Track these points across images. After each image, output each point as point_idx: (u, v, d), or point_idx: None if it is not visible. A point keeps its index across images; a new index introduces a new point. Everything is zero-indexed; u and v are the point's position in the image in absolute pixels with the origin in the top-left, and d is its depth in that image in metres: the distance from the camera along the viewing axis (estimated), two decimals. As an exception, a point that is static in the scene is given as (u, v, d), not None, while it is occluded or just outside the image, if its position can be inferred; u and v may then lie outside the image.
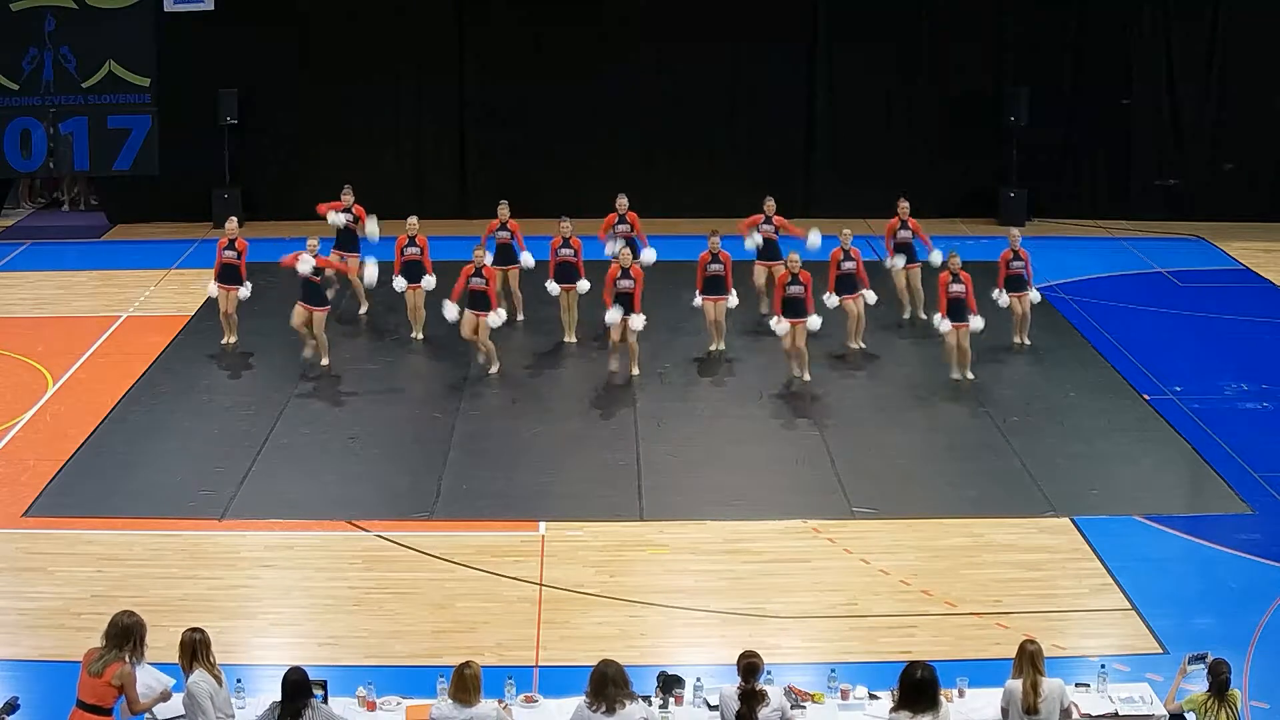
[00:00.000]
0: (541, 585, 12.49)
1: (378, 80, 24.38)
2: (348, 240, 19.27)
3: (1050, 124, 24.54)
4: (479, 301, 16.97)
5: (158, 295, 20.57)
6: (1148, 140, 24.83)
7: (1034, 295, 17.93)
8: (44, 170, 24.79)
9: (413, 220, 18.52)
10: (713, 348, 17.76)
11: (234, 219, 18.73)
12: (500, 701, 9.22)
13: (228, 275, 18.01)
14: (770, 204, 19.09)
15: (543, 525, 13.62)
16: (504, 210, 18.86)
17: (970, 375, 16.69)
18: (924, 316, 18.78)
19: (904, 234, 18.88)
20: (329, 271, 17.69)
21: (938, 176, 24.66)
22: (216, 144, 23.94)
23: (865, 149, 24.70)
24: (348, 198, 19.36)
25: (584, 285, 18.11)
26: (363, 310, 19.37)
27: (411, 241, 18.32)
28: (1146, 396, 16.83)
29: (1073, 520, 13.70)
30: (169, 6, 23.93)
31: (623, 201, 19.03)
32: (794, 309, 16.67)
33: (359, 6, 24.20)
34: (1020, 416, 16.21)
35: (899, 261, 18.87)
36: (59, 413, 16.32)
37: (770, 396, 16.78)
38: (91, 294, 20.86)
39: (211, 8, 23.90)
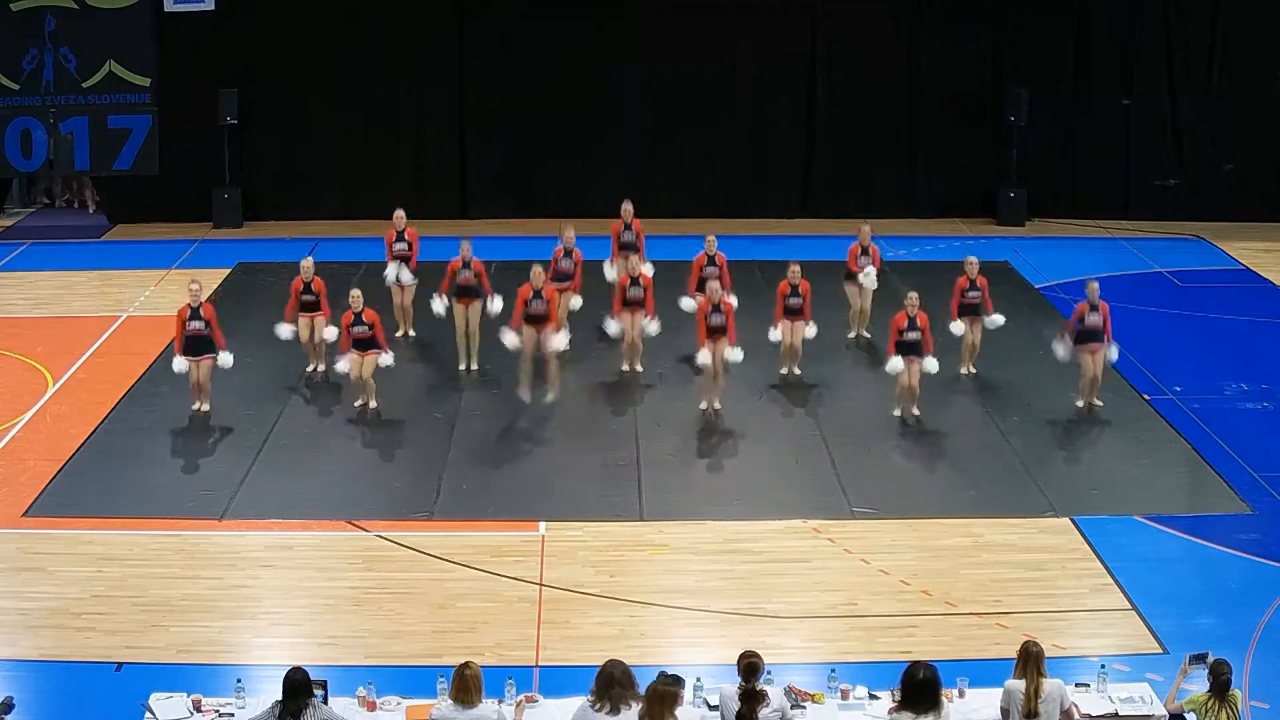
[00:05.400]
0: (541, 585, 12.49)
1: (378, 80, 24.38)
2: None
3: (1050, 124, 24.57)
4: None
5: (158, 295, 20.57)
6: (1148, 140, 24.84)
7: (1112, 353, 16.30)
8: (44, 170, 24.82)
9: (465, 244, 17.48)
10: (785, 370, 17.27)
11: (197, 283, 16.43)
12: (501, 701, 9.22)
13: (196, 346, 16.01)
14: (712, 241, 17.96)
15: (543, 525, 13.62)
16: (570, 233, 17.98)
17: (915, 412, 16.06)
18: (867, 335, 18.42)
19: (864, 260, 18.22)
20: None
21: (938, 176, 24.69)
22: (216, 144, 23.94)
23: (865, 149, 24.71)
24: (400, 218, 18.37)
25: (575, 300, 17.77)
26: (400, 333, 18.46)
27: (465, 265, 17.20)
28: (1146, 396, 16.84)
29: (1073, 520, 13.70)
30: (169, 6, 23.93)
31: (628, 208, 18.86)
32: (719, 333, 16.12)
33: (359, 6, 24.20)
34: (1020, 416, 16.22)
35: (853, 290, 18.33)
36: (59, 413, 16.32)
37: (770, 396, 16.78)
38: (91, 294, 20.87)
39: (211, 8, 23.90)
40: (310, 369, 17.24)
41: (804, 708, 9.47)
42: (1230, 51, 24.44)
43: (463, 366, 17.48)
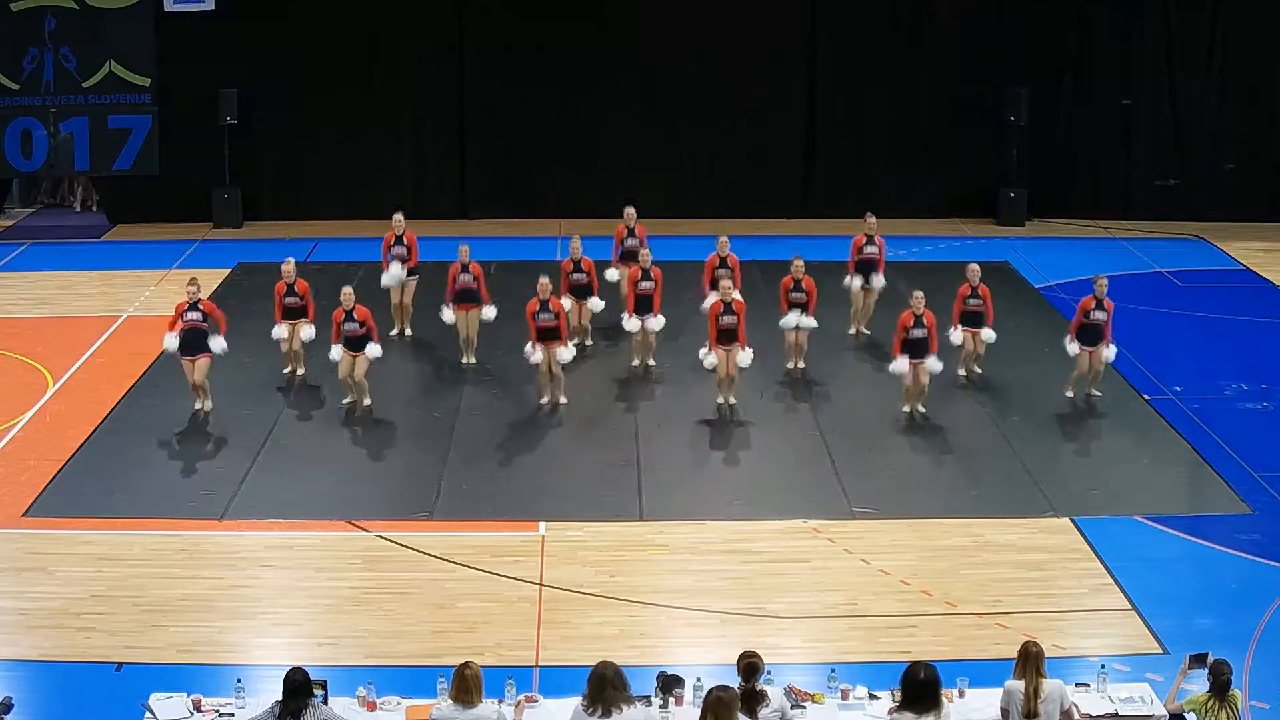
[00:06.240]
0: (541, 585, 12.50)
1: (378, 80, 24.38)
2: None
3: (1050, 124, 24.58)
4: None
5: (158, 295, 20.56)
6: (1148, 140, 24.85)
7: (1109, 353, 16.46)
8: (45, 170, 24.83)
9: (464, 248, 17.55)
10: (791, 365, 17.33)
11: (195, 282, 16.42)
12: (501, 701, 9.21)
13: (190, 342, 15.96)
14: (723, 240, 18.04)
15: (543, 525, 13.62)
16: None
17: (922, 409, 16.05)
18: (867, 331, 18.51)
19: (870, 250, 18.32)
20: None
21: (938, 177, 24.69)
22: (216, 144, 23.94)
23: (865, 149, 24.71)
24: (399, 223, 18.34)
25: (597, 303, 17.93)
26: (396, 331, 18.40)
27: (465, 269, 17.34)
28: (1146, 396, 16.84)
29: (1073, 520, 13.70)
30: (169, 6, 23.93)
31: (630, 212, 18.82)
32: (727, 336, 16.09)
33: (359, 6, 24.19)
34: (1020, 416, 16.22)
35: (856, 282, 18.34)
36: (59, 413, 16.32)
37: (770, 396, 16.78)
38: (91, 294, 20.87)
39: (211, 8, 23.91)
40: (288, 371, 17.22)
41: (804, 708, 9.48)
42: (1230, 51, 24.44)
43: (464, 360, 17.57)
